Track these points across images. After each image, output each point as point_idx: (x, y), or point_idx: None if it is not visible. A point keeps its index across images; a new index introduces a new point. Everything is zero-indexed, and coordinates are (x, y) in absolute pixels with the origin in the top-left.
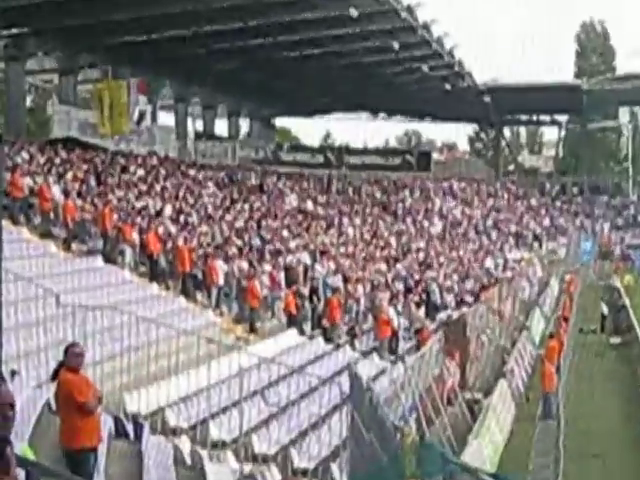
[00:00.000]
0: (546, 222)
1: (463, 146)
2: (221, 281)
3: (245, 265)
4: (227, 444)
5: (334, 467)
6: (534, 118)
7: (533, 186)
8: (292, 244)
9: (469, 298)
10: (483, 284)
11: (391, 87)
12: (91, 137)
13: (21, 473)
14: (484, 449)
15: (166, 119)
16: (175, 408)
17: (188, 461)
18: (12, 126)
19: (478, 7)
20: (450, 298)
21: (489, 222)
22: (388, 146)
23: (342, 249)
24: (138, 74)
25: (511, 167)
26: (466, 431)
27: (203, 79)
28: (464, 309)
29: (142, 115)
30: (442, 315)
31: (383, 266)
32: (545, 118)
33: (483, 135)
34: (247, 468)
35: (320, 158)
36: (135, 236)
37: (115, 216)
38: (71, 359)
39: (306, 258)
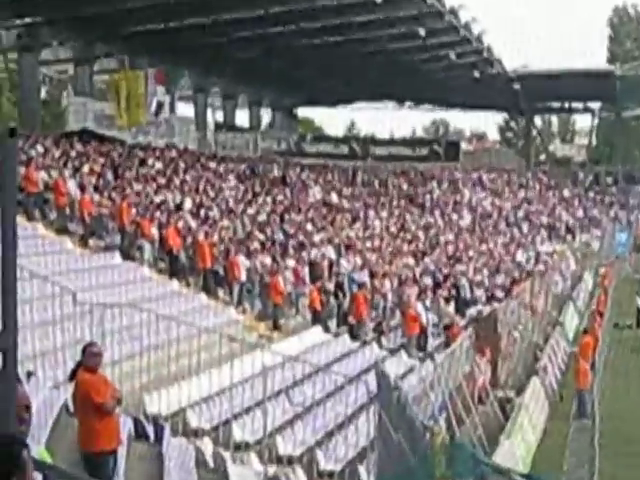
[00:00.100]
0: (579, 213)
1: (493, 135)
2: (243, 277)
3: (268, 260)
4: (250, 445)
5: (361, 469)
6: (566, 106)
7: (565, 176)
8: (316, 238)
9: (500, 293)
10: (514, 278)
11: (418, 75)
12: (108, 129)
13: (38, 477)
14: (516, 449)
15: (185, 110)
16: (197, 409)
17: (210, 463)
18: (26, 119)
19: None
20: (480, 293)
21: (520, 214)
22: (415, 136)
23: (368, 243)
24: (156, 64)
25: (542, 157)
26: (498, 431)
27: (223, 68)
28: (495, 304)
29: (160, 106)
30: (472, 310)
31: (411, 260)
32: (577, 105)
33: (513, 124)
34: (271, 470)
35: (345, 149)
36: (154, 231)
37: (133, 211)
38: (89, 359)
39: (331, 252)
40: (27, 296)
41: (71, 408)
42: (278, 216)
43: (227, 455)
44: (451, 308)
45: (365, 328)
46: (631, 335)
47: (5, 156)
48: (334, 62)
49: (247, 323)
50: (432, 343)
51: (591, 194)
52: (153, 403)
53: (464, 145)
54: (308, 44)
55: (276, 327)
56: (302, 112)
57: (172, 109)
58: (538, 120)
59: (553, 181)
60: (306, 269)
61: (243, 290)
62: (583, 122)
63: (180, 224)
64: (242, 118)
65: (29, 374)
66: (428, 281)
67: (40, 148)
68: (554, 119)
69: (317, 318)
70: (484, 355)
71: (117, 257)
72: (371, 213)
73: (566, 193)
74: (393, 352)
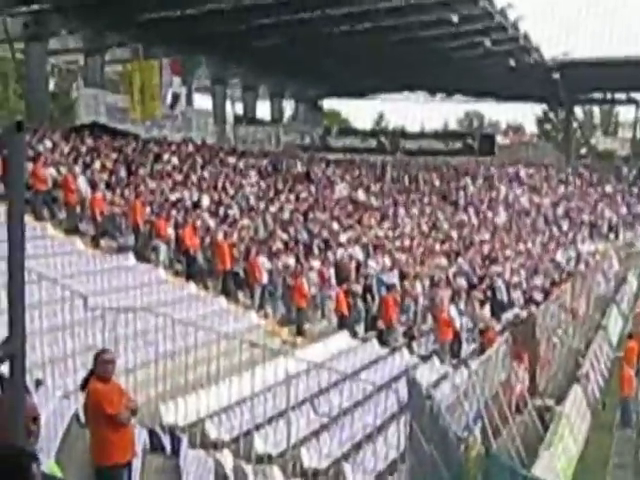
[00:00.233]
0: (623, 210)
1: (530, 128)
2: (265, 279)
3: (291, 261)
4: (273, 458)
5: None
6: (609, 96)
7: (608, 171)
8: (343, 238)
9: (538, 295)
10: (554, 280)
11: (450, 64)
12: (120, 123)
13: None
14: (557, 461)
15: (202, 102)
16: (216, 419)
17: (231, 477)
18: (34, 112)
19: None
20: (517, 295)
21: (560, 211)
22: (447, 129)
23: (398, 242)
24: (171, 53)
25: (583, 150)
26: (537, 442)
27: (243, 58)
28: (533, 307)
29: (176, 98)
30: (509, 314)
31: (443, 261)
32: (621, 96)
33: (552, 116)
34: None
35: (372, 143)
36: (170, 231)
37: (148, 209)
38: (101, 367)
39: (358, 253)
40: (35, 300)
41: (82, 419)
42: (302, 214)
43: (248, 468)
44: (486, 311)
45: (395, 333)
46: None
47: (12, 152)
48: (361, 51)
49: (269, 328)
50: (466, 349)
51: (635, 190)
52: (169, 413)
53: (500, 138)
54: (334, 31)
55: (300, 332)
56: (327, 104)
57: (189, 101)
58: (579, 111)
59: (595, 176)
60: (332, 270)
61: (265, 293)
62: (627, 113)
63: (198, 223)
64: (263, 110)
65: (38, 383)
66: (462, 283)
67: (48, 143)
68: (596, 110)
69: (344, 323)
70: (522, 361)
71: (131, 258)
72: (401, 211)
73: (609, 189)
74: (425, 359)
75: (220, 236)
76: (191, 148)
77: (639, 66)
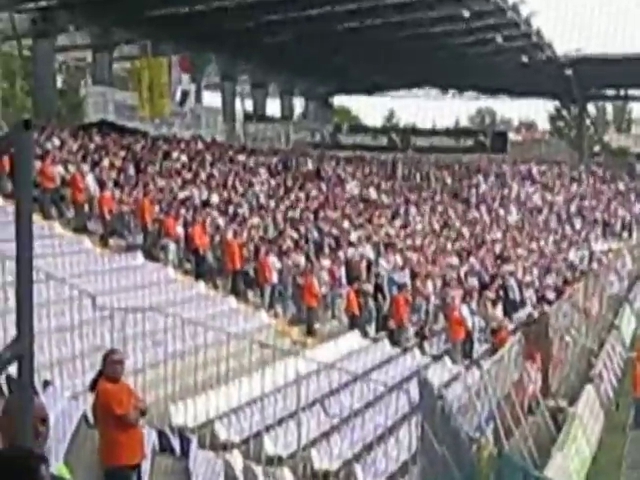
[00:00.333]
0: (636, 209)
1: (543, 125)
2: (275, 278)
3: (301, 260)
4: (283, 460)
5: None
6: (622, 93)
7: (621, 168)
8: (353, 236)
9: (551, 294)
10: (566, 279)
11: (461, 60)
12: (129, 120)
13: None
14: (570, 462)
15: (212, 99)
16: (225, 420)
17: (240, 478)
18: (41, 109)
19: None
20: (530, 294)
21: (572, 209)
22: (459, 126)
23: (409, 241)
24: (180, 50)
25: (597, 148)
26: (549, 443)
27: (252, 54)
28: (546, 307)
29: (185, 95)
30: (521, 314)
31: (455, 260)
32: (634, 93)
33: (565, 112)
34: None
35: (383, 140)
36: (179, 230)
37: (156, 208)
38: (110, 367)
39: (369, 252)
40: (43, 300)
41: (91, 420)
42: (312, 213)
43: (258, 470)
44: (498, 311)
45: (406, 333)
46: None
47: (20, 150)
48: (371, 47)
49: (279, 328)
50: (478, 349)
51: None
52: (179, 414)
53: (512, 135)
54: (344, 28)
55: (310, 332)
56: (337, 101)
57: (198, 98)
58: (592, 108)
59: (608, 174)
60: (342, 269)
61: (275, 292)
62: None
63: (207, 222)
64: (273, 108)
65: (46, 383)
66: (474, 282)
67: (56, 141)
68: (609, 107)
69: (354, 322)
70: (534, 361)
71: (139, 258)
72: (412, 209)
73: (622, 187)
74: (436, 359)
75: (230, 235)
76: (200, 146)
77: None
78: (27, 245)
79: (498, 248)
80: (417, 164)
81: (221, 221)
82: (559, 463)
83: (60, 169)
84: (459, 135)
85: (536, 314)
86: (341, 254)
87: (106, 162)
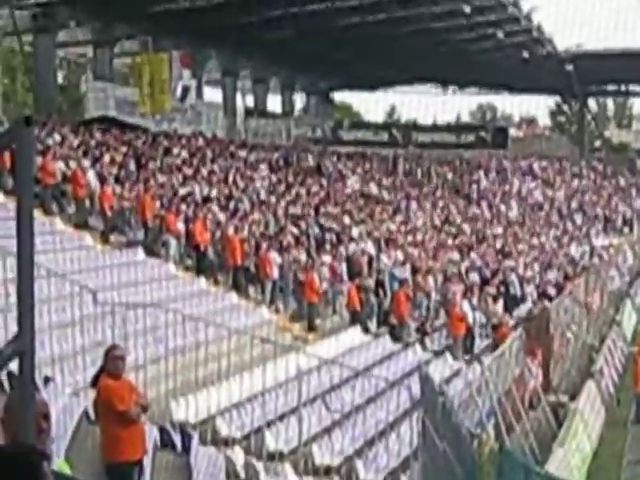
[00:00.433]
0: (637, 204)
1: (543, 121)
2: (276, 274)
3: (302, 256)
4: (285, 455)
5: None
6: (623, 88)
7: (622, 164)
8: (354, 232)
9: (552, 290)
10: (567, 274)
11: (462, 56)
12: (130, 116)
13: None
14: (571, 458)
15: (213, 95)
16: (227, 416)
17: (242, 474)
18: (42, 105)
19: None
20: (531, 290)
21: (573, 205)
22: (460, 122)
23: (410, 237)
24: (181, 46)
25: (597, 143)
26: (550, 438)
27: (253, 50)
28: (547, 302)
29: (186, 91)
30: (522, 309)
31: (456, 255)
32: (635, 88)
33: (566, 108)
34: None
35: (384, 136)
36: (180, 226)
37: (157, 204)
38: (111, 363)
39: (370, 247)
40: (44, 296)
41: (92, 416)
42: (313, 208)
43: (260, 466)
44: (499, 307)
45: (407, 329)
46: None
47: (21, 146)
48: (373, 43)
49: (280, 324)
50: (479, 344)
51: None
52: (180, 410)
53: (513, 131)
54: (345, 23)
55: (311, 328)
56: (338, 97)
57: (199, 94)
58: (592, 104)
59: (609, 169)
60: (343, 265)
61: (276, 288)
62: None
63: (208, 218)
64: (274, 103)
65: (47, 380)
66: (475, 278)
67: (57, 136)
68: (610, 103)
69: (356, 318)
70: (535, 357)
71: (140, 254)
72: (413, 205)
73: (623, 182)
74: (437, 354)
75: (230, 231)
76: (201, 142)
77: None
78: (28, 241)
79: (499, 244)
80: (418, 160)
81: (222, 217)
82: (560, 458)
83: (61, 165)
84: (460, 131)
85: (537, 310)
86: (342, 250)
87: (107, 158)
